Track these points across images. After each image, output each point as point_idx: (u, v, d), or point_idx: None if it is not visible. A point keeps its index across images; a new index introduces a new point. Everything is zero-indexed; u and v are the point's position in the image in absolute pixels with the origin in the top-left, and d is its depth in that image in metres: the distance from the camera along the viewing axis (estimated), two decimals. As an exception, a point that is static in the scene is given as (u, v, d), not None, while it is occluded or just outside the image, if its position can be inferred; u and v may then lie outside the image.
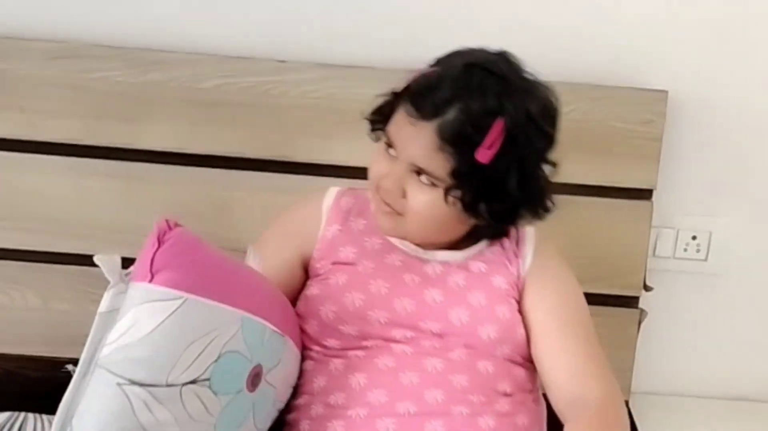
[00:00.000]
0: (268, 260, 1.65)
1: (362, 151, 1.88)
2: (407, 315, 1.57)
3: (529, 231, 1.67)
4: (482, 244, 1.64)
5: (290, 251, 1.68)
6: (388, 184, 1.54)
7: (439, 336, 1.57)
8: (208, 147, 1.94)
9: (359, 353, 1.57)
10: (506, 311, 1.59)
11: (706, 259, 2.06)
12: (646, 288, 2.00)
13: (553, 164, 1.57)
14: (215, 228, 1.94)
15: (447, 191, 1.51)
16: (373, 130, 1.64)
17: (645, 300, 2.03)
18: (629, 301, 2.00)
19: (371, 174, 1.59)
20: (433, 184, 1.51)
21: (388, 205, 1.56)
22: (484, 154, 1.47)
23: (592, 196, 1.95)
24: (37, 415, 1.89)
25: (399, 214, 1.55)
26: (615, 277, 1.98)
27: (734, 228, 2.04)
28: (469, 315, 1.57)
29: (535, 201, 1.57)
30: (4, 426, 1.85)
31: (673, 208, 2.03)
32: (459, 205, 1.52)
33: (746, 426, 2.07)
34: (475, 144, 1.47)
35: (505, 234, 1.65)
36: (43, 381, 1.93)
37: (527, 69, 1.55)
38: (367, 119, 1.64)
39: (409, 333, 1.57)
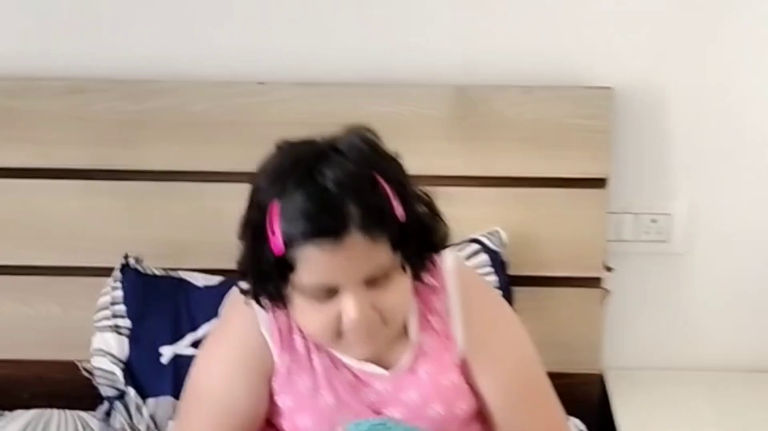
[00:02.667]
0: (239, 403, 1.59)
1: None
2: None
3: (452, 294, 1.61)
4: (414, 330, 1.59)
5: (257, 386, 1.59)
6: (363, 314, 1.45)
7: None
8: (200, 164, 2.15)
9: None
10: (464, 405, 1.61)
11: (667, 240, 2.20)
12: (608, 269, 2.15)
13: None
14: (212, 237, 2.15)
15: (404, 267, 1.49)
16: (263, 297, 1.52)
17: (613, 283, 2.19)
18: (593, 282, 2.16)
19: (322, 330, 1.48)
20: (387, 275, 1.47)
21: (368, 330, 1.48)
22: (399, 211, 1.45)
23: (550, 187, 2.12)
24: (61, 411, 2.12)
25: (383, 324, 1.49)
26: (578, 260, 2.14)
27: (691, 208, 2.18)
28: (430, 425, 1.58)
29: (437, 219, 1.55)
30: (32, 421, 2.08)
31: (631, 195, 2.18)
32: (411, 270, 1.52)
33: (711, 393, 2.21)
34: (387, 211, 1.44)
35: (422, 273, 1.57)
36: (68, 382, 2.15)
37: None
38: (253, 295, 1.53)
39: None
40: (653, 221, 2.19)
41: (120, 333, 2.02)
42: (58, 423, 2.08)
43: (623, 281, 2.21)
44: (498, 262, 2.08)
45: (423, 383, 1.59)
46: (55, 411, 2.12)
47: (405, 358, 1.59)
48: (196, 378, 1.64)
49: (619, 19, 2.09)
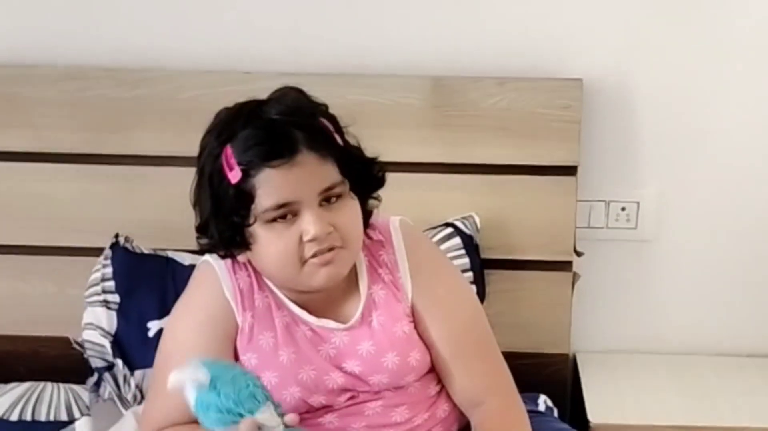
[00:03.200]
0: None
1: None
2: (338, 386, 1.68)
3: (398, 248, 1.74)
4: (364, 283, 1.71)
5: (223, 349, 1.68)
6: (323, 229, 1.57)
7: (375, 392, 1.71)
8: (189, 149, 2.20)
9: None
10: (417, 354, 1.71)
11: (635, 227, 2.29)
12: (578, 253, 2.24)
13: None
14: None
15: (352, 188, 1.63)
16: (240, 241, 1.62)
17: (584, 268, 2.28)
18: (563, 266, 2.24)
19: (286, 256, 1.59)
20: (339, 196, 1.61)
21: (331, 249, 1.59)
22: (340, 139, 1.63)
23: (523, 175, 2.21)
24: (54, 384, 2.22)
25: (341, 247, 1.60)
26: (549, 245, 2.23)
27: (660, 197, 2.27)
28: (388, 377, 1.69)
29: (371, 158, 1.70)
30: (26, 393, 2.18)
31: (601, 183, 2.28)
32: (358, 199, 1.66)
33: (677, 376, 2.30)
34: (331, 137, 1.61)
35: (368, 219, 1.70)
36: (62, 357, 2.25)
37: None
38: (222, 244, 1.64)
39: (346, 396, 1.70)
40: (622, 208, 2.28)
41: (109, 308, 2.12)
42: (50, 395, 2.17)
43: (593, 266, 2.30)
44: (471, 246, 2.17)
45: (376, 333, 1.69)
46: (49, 384, 2.22)
47: (358, 311, 1.70)
48: (165, 345, 1.75)
49: (589, 13, 2.19)
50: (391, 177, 2.16)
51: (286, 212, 1.58)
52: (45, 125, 2.24)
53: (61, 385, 2.22)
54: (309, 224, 1.58)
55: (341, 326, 1.70)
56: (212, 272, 1.72)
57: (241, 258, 1.68)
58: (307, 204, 1.58)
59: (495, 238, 2.22)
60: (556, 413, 2.13)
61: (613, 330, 2.37)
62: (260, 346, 1.69)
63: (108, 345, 2.10)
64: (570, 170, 2.20)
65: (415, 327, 1.72)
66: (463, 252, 2.16)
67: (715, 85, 2.21)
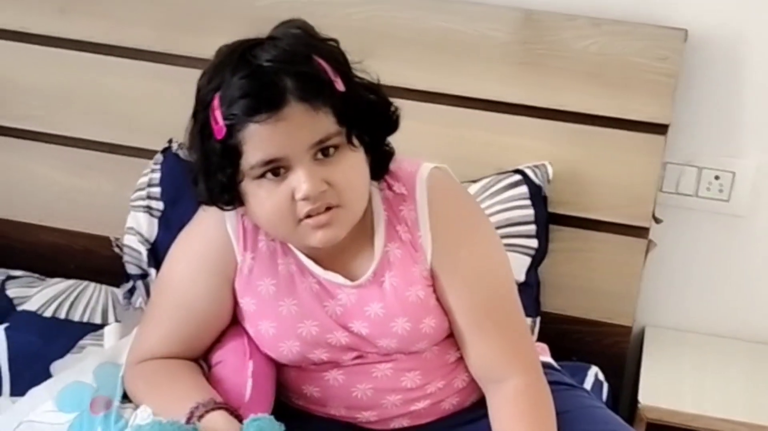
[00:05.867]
0: (197, 301, 1.60)
1: (397, 72, 2.00)
2: (342, 345, 1.58)
3: (421, 204, 1.56)
4: (380, 240, 1.56)
5: (218, 286, 1.60)
6: (315, 187, 1.43)
7: (385, 354, 1.60)
8: (261, 60, 2.13)
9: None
10: (432, 321, 1.57)
11: (728, 200, 2.09)
12: (656, 220, 2.06)
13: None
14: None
15: (349, 138, 1.46)
16: (230, 198, 1.50)
17: (663, 236, 2.10)
18: (638, 231, 2.06)
19: (279, 214, 1.46)
20: (336, 147, 1.46)
21: (328, 209, 1.45)
22: (338, 84, 1.45)
23: (607, 127, 2.03)
24: (97, 284, 2.18)
25: (338, 206, 1.46)
26: (625, 207, 2.05)
27: (759, 170, 2.07)
28: (397, 342, 1.57)
29: (384, 100, 1.54)
30: (66, 291, 2.15)
31: (694, 146, 2.08)
32: (362, 147, 1.49)
33: (750, 366, 2.11)
34: (325, 82, 1.44)
35: (386, 168, 1.56)
36: (114, 258, 2.16)
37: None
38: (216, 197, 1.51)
39: (353, 354, 1.60)
40: (716, 177, 2.08)
41: (152, 215, 2.04)
42: (90, 296, 2.15)
43: (672, 236, 2.12)
44: (539, 197, 2.02)
45: (387, 295, 1.56)
46: (91, 284, 2.19)
47: (370, 269, 1.56)
48: (164, 271, 1.66)
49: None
50: (463, 113, 2.08)
51: (276, 167, 1.44)
52: (118, 16, 2.17)
53: (104, 287, 2.18)
54: (300, 182, 1.43)
55: (349, 283, 1.56)
56: (218, 213, 1.58)
57: (240, 210, 1.55)
58: (298, 159, 1.43)
59: (567, 192, 2.06)
60: (605, 388, 1.98)
61: (688, 307, 2.19)
62: (259, 292, 1.58)
63: (144, 253, 2.03)
64: (660, 128, 2.01)
65: (435, 292, 1.58)
66: (528, 202, 2.01)
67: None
